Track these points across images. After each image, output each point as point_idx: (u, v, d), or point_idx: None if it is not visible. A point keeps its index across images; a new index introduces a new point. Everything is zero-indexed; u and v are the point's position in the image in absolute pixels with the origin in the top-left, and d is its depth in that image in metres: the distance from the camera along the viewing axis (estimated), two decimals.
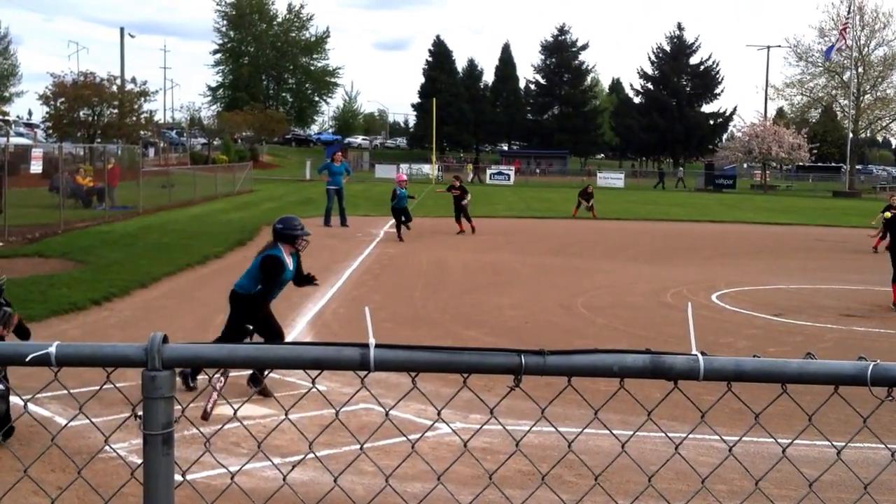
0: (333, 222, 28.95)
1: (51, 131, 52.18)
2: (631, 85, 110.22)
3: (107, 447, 6.30)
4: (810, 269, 20.04)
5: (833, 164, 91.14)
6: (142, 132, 53.84)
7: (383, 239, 25.95)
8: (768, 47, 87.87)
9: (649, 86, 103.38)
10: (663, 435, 2.66)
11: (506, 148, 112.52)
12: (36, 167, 28.83)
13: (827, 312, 15.41)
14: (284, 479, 2.82)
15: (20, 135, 58.99)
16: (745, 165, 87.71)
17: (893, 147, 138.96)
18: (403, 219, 25.81)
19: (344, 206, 29.34)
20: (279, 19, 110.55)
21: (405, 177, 27.79)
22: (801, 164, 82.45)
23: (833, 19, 77.89)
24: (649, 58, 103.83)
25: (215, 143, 77.78)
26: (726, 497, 6.33)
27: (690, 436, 3.09)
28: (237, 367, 2.28)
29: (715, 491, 6.32)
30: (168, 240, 22.74)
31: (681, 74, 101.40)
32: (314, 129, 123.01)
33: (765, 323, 14.28)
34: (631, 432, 3.09)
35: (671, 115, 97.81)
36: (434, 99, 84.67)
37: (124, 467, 6.31)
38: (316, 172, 30.14)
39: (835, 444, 2.81)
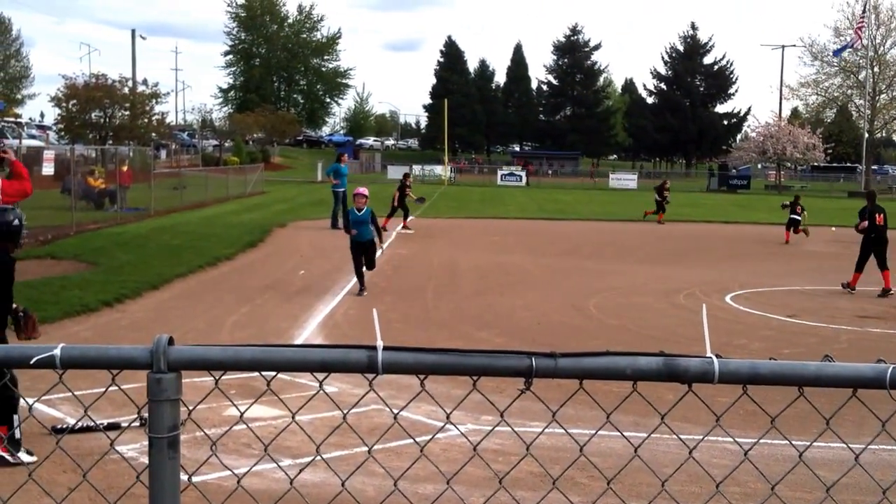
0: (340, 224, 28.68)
1: (63, 133, 52.36)
2: (644, 85, 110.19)
3: (116, 448, 6.28)
4: (825, 270, 19.94)
5: (848, 165, 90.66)
6: (153, 135, 53.96)
7: (395, 240, 25.92)
8: (783, 47, 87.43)
9: (662, 86, 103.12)
10: (675, 436, 2.63)
11: (517, 149, 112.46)
12: (48, 169, 28.90)
13: (842, 314, 15.32)
14: (292, 483, 2.79)
15: (32, 137, 59.22)
16: (759, 166, 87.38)
17: None
18: (366, 262, 16.47)
19: (348, 208, 28.98)
20: (290, 20, 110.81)
21: (366, 191, 16.87)
22: (816, 164, 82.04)
23: (848, 18, 77.51)
24: (662, 58, 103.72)
25: (227, 144, 77.94)
26: (740, 500, 6.27)
27: (703, 438, 3.05)
28: (243, 369, 2.25)
29: (728, 493, 6.25)
30: (179, 241, 22.77)
31: (694, 74, 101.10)
32: (325, 130, 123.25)
33: (779, 324, 14.20)
34: (643, 434, 3.05)
35: (684, 115, 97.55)
36: (446, 100, 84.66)
37: (135, 467, 6.30)
38: (325, 174, 29.44)
39: (852, 446, 2.76)
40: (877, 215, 18.13)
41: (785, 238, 29.03)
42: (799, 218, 29.27)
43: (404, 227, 28.53)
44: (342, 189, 28.85)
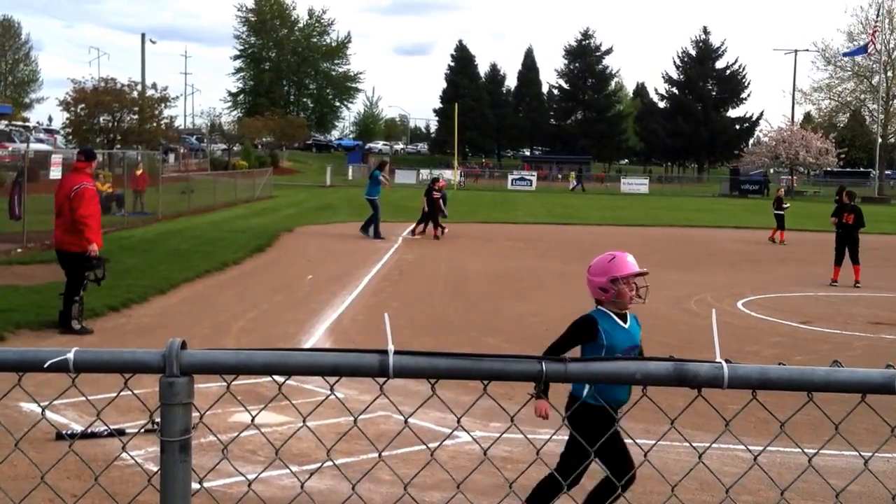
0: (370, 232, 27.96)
1: (70, 137, 52.49)
2: (656, 89, 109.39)
3: (123, 454, 6.28)
4: (839, 276, 19.84)
5: (862, 170, 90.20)
6: (161, 140, 54.05)
7: (402, 245, 25.92)
8: (796, 51, 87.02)
9: (674, 90, 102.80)
10: (685, 443, 2.62)
11: (528, 153, 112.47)
12: (55, 173, 28.90)
13: (855, 320, 15.23)
14: (302, 487, 2.80)
15: (40, 141, 59.23)
16: (771, 171, 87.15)
17: None
18: None
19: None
20: (300, 25, 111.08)
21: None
22: (828, 169, 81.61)
23: (862, 23, 77.35)
24: (674, 62, 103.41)
25: (235, 148, 78.10)
26: None
27: (713, 444, 3.04)
28: (255, 373, 2.26)
29: (739, 501, 6.23)
30: (187, 246, 22.80)
31: (706, 79, 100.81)
32: (335, 134, 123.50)
33: (791, 331, 14.13)
34: (652, 441, 3.05)
35: (696, 119, 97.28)
36: (456, 104, 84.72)
37: (141, 474, 6.29)
38: (374, 182, 28.26)
39: (862, 453, 2.76)
40: (845, 214, 19.98)
41: (778, 236, 30.61)
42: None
43: (413, 231, 28.51)
44: (374, 197, 28.06)
